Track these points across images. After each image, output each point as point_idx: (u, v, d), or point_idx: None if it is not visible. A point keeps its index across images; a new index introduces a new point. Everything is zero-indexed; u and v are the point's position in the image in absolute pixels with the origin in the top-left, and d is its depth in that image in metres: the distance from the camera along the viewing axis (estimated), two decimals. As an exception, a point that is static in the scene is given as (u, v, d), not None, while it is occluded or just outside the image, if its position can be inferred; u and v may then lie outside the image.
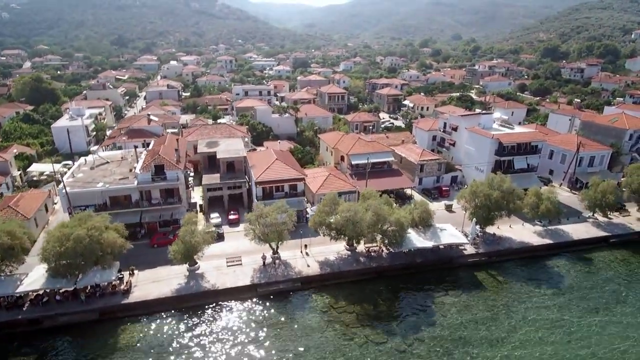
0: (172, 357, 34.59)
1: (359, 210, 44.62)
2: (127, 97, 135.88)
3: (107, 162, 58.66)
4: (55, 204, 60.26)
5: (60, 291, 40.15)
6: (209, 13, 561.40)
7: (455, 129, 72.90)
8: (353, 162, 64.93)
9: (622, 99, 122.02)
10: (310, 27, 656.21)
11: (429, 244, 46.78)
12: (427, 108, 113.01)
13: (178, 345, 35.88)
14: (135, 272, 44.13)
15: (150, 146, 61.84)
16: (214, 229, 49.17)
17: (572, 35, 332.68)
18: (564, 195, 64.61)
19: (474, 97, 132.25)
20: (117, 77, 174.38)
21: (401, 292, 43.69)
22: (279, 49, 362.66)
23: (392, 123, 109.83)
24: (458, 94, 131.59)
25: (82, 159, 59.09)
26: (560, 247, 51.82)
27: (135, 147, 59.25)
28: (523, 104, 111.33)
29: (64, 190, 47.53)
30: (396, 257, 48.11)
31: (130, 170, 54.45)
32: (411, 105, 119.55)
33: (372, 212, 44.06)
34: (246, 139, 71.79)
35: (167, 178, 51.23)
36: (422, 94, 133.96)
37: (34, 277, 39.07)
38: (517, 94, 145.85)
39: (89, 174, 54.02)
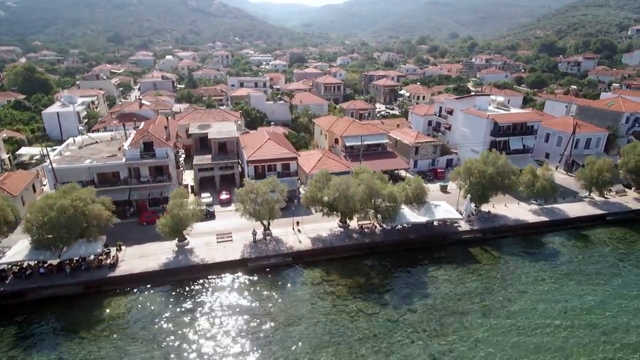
0: (159, 329, 33.63)
1: (351, 183, 43.80)
2: (121, 89, 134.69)
3: (97, 142, 57.75)
4: (44, 185, 59.15)
5: (45, 265, 39.22)
6: (206, 11, 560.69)
7: (450, 113, 72.20)
8: (347, 144, 64.14)
9: (618, 84, 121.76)
10: (308, 27, 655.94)
11: (422, 219, 45.94)
12: (424, 97, 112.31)
13: (165, 318, 34.91)
14: (123, 247, 43.14)
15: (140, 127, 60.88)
16: (205, 207, 48.41)
17: (568, 32, 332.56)
18: (560, 177, 63.83)
19: (471, 88, 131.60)
20: (112, 70, 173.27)
21: (394, 267, 42.83)
22: (276, 46, 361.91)
23: (389, 112, 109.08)
24: (454, 85, 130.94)
25: (70, 139, 58.09)
26: (556, 225, 51.09)
27: (124, 125, 58.03)
28: (519, 93, 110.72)
29: (50, 166, 46.51)
30: (389, 233, 47.29)
31: (119, 149, 53.51)
32: (407, 94, 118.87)
33: (364, 186, 43.22)
34: (239, 122, 70.86)
35: (156, 155, 50.27)
36: (418, 83, 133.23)
37: (17, 249, 38.07)
38: (514, 86, 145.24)
39: (77, 152, 53.06)
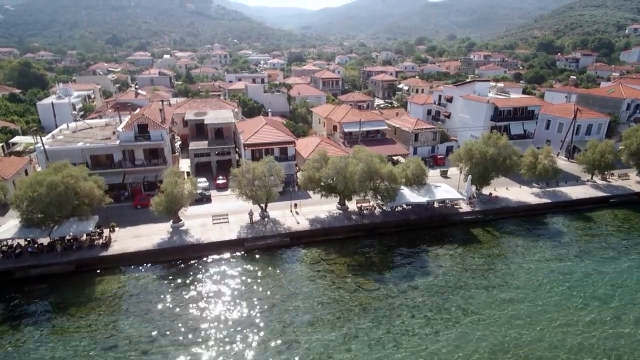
0: (152, 305, 32.48)
1: (350, 162, 42.91)
2: (117, 85, 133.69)
3: (91, 127, 56.78)
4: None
5: (35, 245, 38.13)
6: (205, 14, 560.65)
7: (450, 100, 71.44)
8: (345, 130, 63.31)
9: (617, 73, 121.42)
10: (306, 29, 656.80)
11: (422, 199, 44.98)
12: (422, 90, 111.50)
13: (158, 295, 33.80)
14: (116, 229, 42.11)
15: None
16: (200, 190, 47.70)
17: (566, 31, 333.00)
18: (562, 163, 62.95)
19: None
20: (110, 69, 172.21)
21: (394, 247, 41.85)
22: (274, 47, 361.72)
23: (388, 105, 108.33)
24: (453, 81, 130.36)
25: (64, 124, 57.07)
26: (558, 207, 50.19)
27: (119, 113, 57.00)
28: (518, 84, 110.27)
29: (42, 147, 45.49)
30: (389, 215, 46.35)
31: (114, 133, 52.49)
32: (406, 88, 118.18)
33: (363, 164, 42.26)
34: (235, 110, 69.95)
35: (151, 137, 49.30)
36: (416, 76, 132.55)
37: (6, 227, 36.98)
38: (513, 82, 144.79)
39: (70, 136, 52.05)
